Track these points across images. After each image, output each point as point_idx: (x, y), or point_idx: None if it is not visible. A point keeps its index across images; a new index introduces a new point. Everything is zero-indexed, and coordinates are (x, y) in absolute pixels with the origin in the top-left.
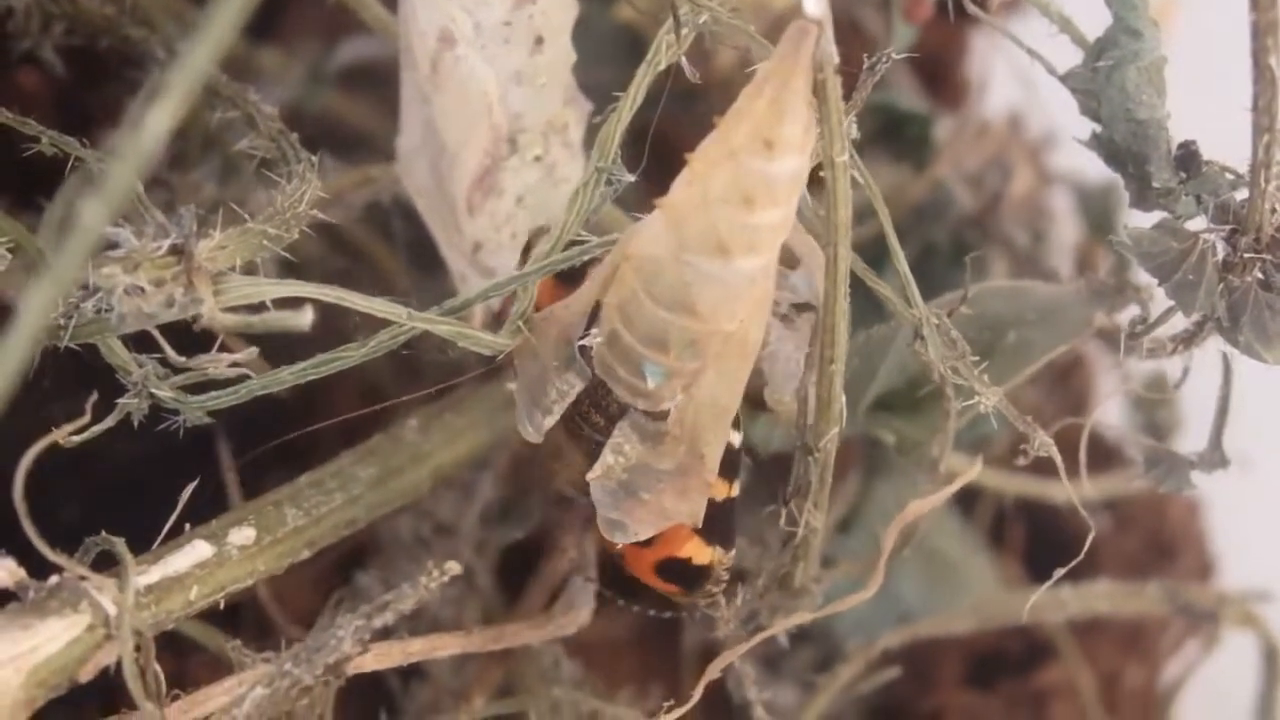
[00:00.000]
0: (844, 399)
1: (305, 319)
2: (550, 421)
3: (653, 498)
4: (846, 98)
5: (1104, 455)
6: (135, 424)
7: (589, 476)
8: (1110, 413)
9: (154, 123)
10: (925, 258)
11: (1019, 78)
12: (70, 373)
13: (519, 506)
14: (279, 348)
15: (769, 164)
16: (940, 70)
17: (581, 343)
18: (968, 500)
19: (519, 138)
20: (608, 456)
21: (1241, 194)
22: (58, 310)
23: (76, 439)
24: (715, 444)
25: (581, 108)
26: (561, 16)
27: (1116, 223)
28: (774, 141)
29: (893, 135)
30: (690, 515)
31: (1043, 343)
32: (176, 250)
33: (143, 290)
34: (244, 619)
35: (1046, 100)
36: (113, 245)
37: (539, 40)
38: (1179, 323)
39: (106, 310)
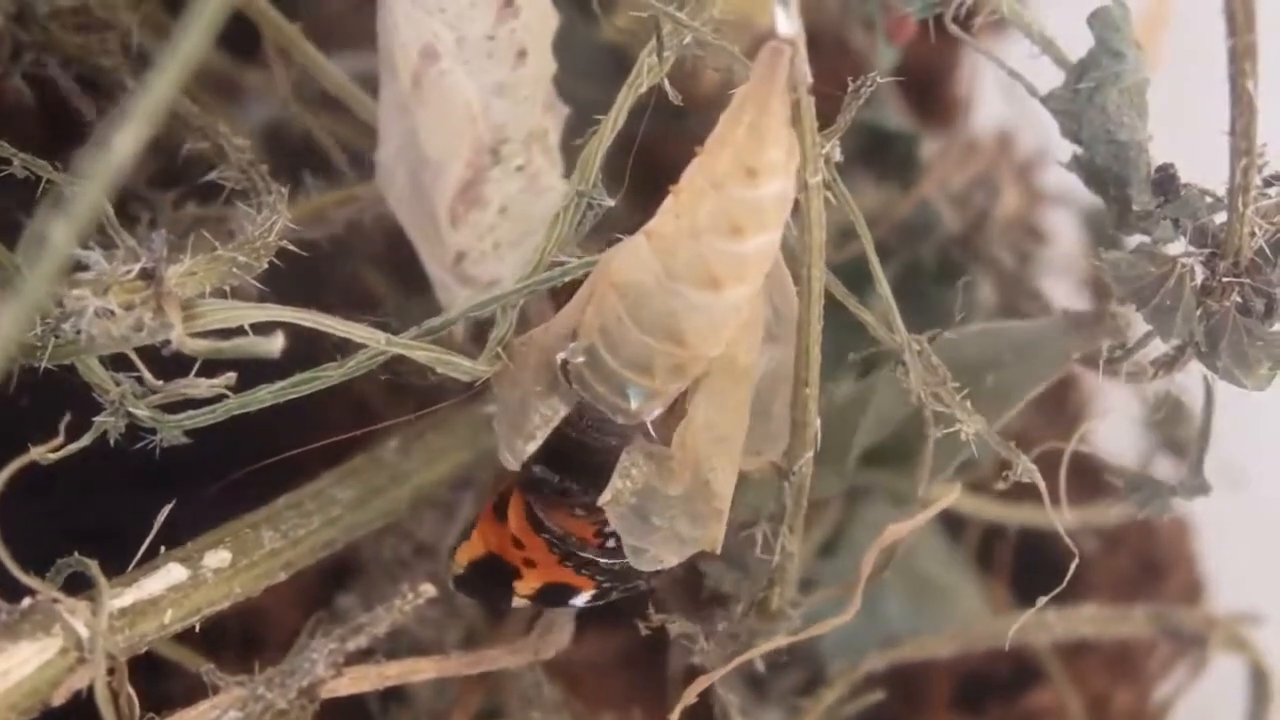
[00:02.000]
0: (820, 430)
1: (275, 345)
2: (533, 448)
3: (665, 524)
4: (832, 119)
5: (1094, 475)
6: (111, 442)
7: (600, 501)
8: (1110, 431)
9: (120, 145)
10: (910, 276)
11: (1010, 94)
12: (48, 392)
13: None
14: (261, 366)
15: (754, 190)
16: (929, 87)
17: (560, 356)
18: (955, 522)
19: (502, 148)
20: (616, 481)
21: (1220, 218)
22: (34, 330)
23: (53, 457)
24: (721, 471)
25: (559, 112)
26: (543, 28)
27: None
28: (757, 168)
29: (878, 154)
30: (710, 543)
31: (1021, 383)
32: (147, 274)
33: (112, 313)
34: (229, 632)
35: (1040, 116)
36: (84, 267)
37: (522, 54)
38: (1161, 346)
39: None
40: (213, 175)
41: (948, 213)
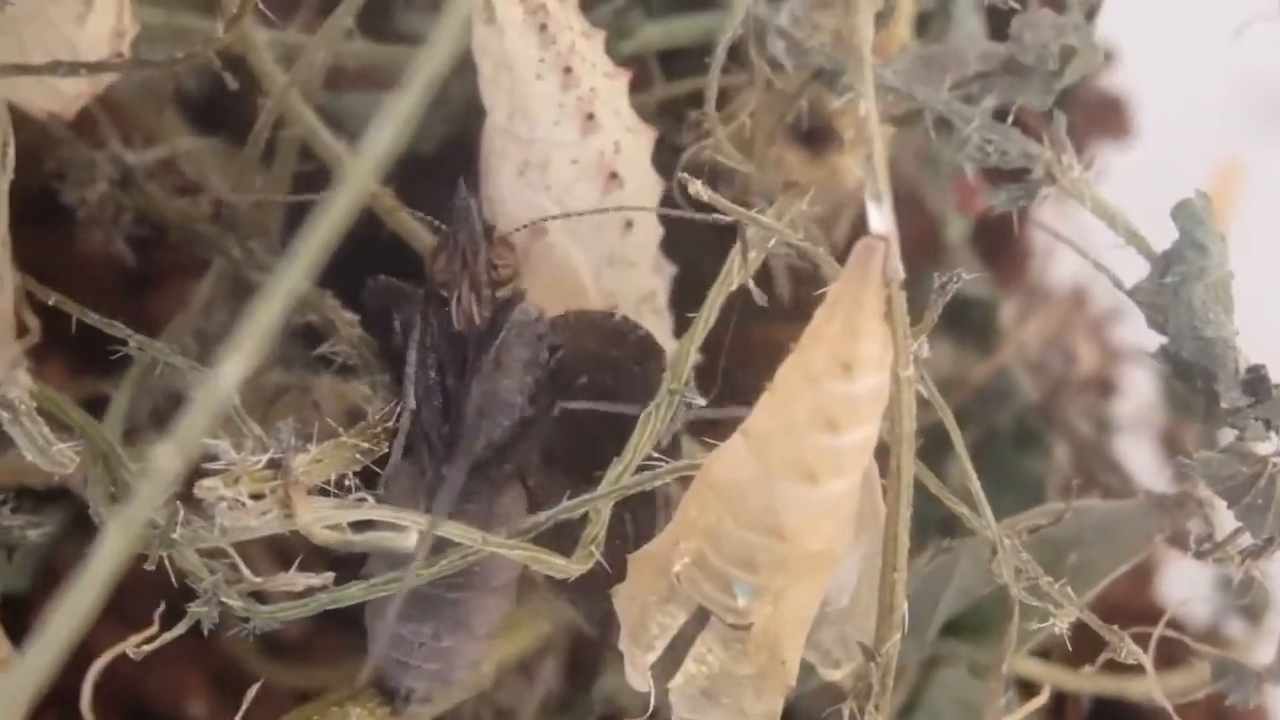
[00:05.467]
0: (907, 616)
1: (409, 541)
2: (653, 658)
3: (731, 702)
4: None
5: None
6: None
7: (670, 685)
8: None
9: (230, 368)
10: (987, 442)
11: (1085, 241)
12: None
13: (581, 697)
14: None
15: (850, 385)
16: (1001, 238)
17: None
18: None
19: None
20: (690, 665)
21: None
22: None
23: (147, 649)
24: (796, 649)
25: (666, 272)
26: (649, 195)
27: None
28: (853, 363)
29: (956, 319)
30: (766, 715)
31: (1104, 562)
32: (274, 464)
33: (242, 504)
34: None
35: (1115, 267)
36: (212, 457)
37: (629, 224)
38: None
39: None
40: (324, 349)
41: (1025, 378)
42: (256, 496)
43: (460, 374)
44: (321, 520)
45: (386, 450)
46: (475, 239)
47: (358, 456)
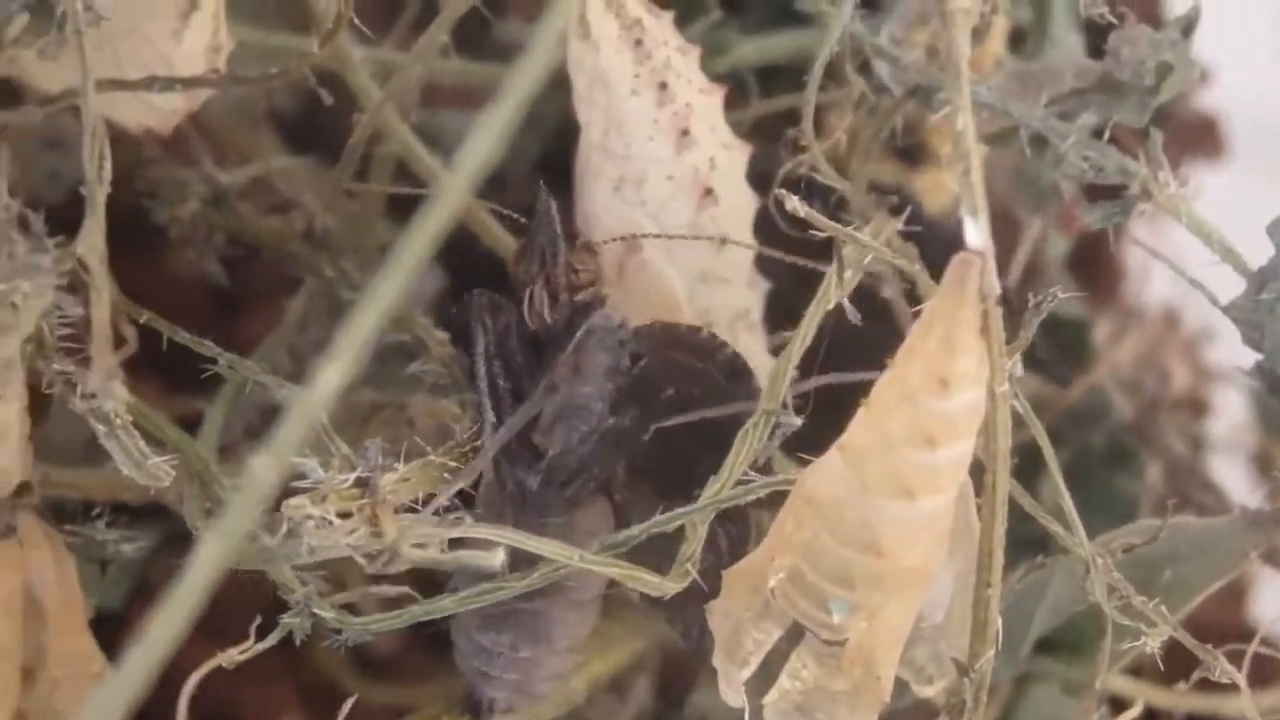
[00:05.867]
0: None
1: (497, 560)
2: (747, 674)
3: (825, 716)
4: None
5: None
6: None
7: (764, 701)
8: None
9: (326, 380)
10: (1080, 461)
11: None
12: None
13: (673, 714)
14: None
15: (947, 401)
16: (1095, 255)
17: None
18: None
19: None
20: (784, 681)
21: None
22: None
23: (240, 658)
24: (890, 665)
25: (760, 288)
26: (743, 212)
27: None
28: (949, 379)
29: (1049, 339)
30: None
31: (1199, 578)
32: (361, 482)
33: (330, 522)
34: None
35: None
36: (300, 475)
37: (724, 239)
38: None
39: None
40: (414, 367)
41: (1118, 397)
42: (344, 515)
43: (535, 378)
44: (408, 538)
45: (477, 471)
46: (555, 241)
47: (445, 475)
